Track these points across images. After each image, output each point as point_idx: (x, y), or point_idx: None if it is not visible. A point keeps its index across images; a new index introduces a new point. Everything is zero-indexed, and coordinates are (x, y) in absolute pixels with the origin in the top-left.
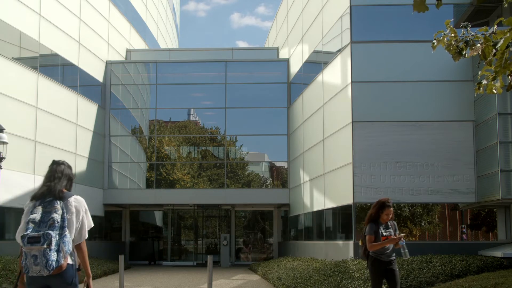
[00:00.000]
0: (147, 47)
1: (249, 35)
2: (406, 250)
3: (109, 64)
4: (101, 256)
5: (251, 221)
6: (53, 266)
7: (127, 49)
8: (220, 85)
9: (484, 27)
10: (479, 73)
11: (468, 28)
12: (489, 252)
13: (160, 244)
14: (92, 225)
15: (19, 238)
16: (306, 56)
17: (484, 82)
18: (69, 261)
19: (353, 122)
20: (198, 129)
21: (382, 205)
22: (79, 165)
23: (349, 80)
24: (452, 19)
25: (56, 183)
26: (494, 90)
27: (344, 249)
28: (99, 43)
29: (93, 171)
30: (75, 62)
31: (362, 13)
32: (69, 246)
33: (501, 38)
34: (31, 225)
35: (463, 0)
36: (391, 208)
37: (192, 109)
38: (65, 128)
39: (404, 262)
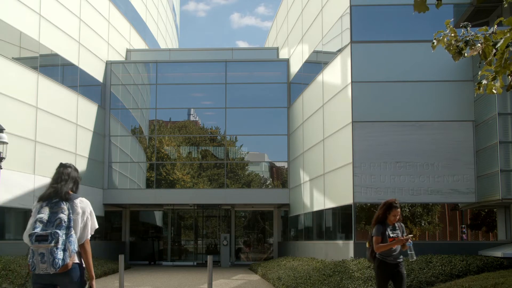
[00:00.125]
0: (147, 47)
1: (249, 35)
2: (413, 252)
3: (109, 64)
4: (101, 256)
5: (251, 221)
6: (59, 264)
7: (127, 49)
8: (220, 85)
9: (484, 27)
10: (479, 73)
11: (468, 28)
12: (489, 252)
13: (160, 244)
14: (97, 226)
15: (27, 237)
16: (306, 56)
17: (484, 82)
18: (76, 260)
19: (353, 122)
20: (198, 129)
21: (389, 206)
22: (79, 165)
23: (349, 80)
24: (452, 19)
25: (63, 185)
26: (494, 90)
27: (344, 249)
28: (99, 43)
29: (93, 171)
30: (75, 62)
31: (362, 13)
32: (74, 245)
33: (501, 38)
34: (38, 224)
35: (463, 0)
36: (399, 209)
37: (192, 109)
38: (65, 128)
39: (404, 262)
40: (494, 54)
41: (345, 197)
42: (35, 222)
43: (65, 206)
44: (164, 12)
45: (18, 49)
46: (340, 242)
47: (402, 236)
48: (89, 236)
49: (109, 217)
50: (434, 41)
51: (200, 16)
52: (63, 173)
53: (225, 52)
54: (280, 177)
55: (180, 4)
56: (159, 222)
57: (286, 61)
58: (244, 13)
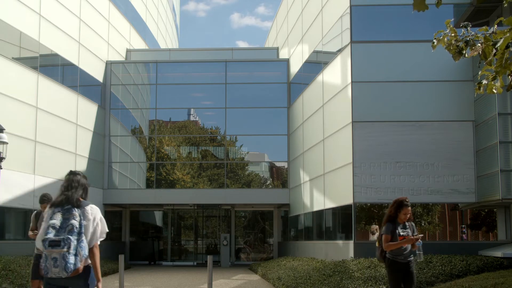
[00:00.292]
0: (147, 47)
1: (249, 35)
2: (422, 252)
3: (109, 64)
4: (101, 256)
5: (251, 221)
6: (71, 269)
7: (127, 49)
8: (220, 85)
9: (484, 27)
10: (479, 73)
11: (468, 28)
12: (489, 252)
13: (160, 244)
14: (107, 230)
15: (40, 242)
16: (306, 56)
17: (484, 82)
18: (87, 263)
19: (353, 122)
20: (198, 129)
21: (400, 204)
22: (79, 165)
23: (349, 80)
24: (452, 19)
25: (74, 192)
26: (494, 90)
27: (344, 249)
28: (99, 43)
29: (93, 171)
30: (75, 62)
31: (362, 13)
32: (85, 250)
33: (501, 38)
34: (51, 230)
35: (463, 0)
36: (409, 208)
37: (192, 109)
38: (65, 128)
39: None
40: (494, 54)
41: (345, 197)
42: (47, 227)
43: (76, 212)
44: (164, 12)
45: (18, 49)
46: (340, 242)
47: (413, 235)
48: (99, 240)
49: (109, 217)
50: (434, 41)
51: (200, 16)
52: (73, 181)
53: (225, 52)
54: (280, 177)
55: (180, 4)
56: (159, 222)
57: (286, 61)
58: (244, 13)
